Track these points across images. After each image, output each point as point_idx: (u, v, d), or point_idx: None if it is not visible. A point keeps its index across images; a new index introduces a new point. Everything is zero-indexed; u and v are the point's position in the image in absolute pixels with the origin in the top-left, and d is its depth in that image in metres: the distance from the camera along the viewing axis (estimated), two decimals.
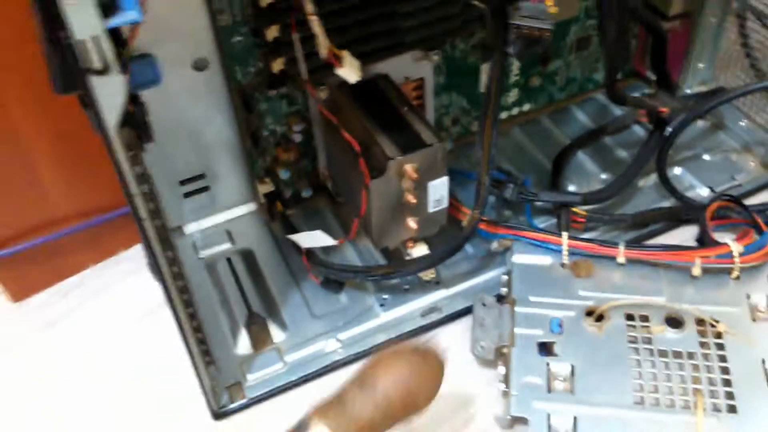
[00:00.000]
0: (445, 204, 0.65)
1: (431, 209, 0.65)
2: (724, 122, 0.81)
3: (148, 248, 0.50)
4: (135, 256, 0.77)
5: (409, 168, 0.60)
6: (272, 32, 0.61)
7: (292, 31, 0.57)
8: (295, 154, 0.73)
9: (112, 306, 0.73)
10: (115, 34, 0.41)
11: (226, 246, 0.74)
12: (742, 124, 0.80)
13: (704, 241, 0.70)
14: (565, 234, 0.67)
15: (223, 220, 0.76)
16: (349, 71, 0.56)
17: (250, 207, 0.76)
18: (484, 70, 0.75)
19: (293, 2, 0.57)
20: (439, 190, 0.63)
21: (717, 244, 0.65)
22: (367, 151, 0.61)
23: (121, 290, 0.75)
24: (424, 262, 0.65)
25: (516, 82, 0.79)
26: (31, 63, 0.51)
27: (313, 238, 0.65)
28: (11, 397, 0.67)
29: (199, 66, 0.64)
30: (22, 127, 0.66)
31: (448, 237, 0.69)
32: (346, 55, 0.56)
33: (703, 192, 0.76)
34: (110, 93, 0.42)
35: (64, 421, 0.64)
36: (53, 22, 0.38)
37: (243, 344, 0.66)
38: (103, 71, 0.40)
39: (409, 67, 0.69)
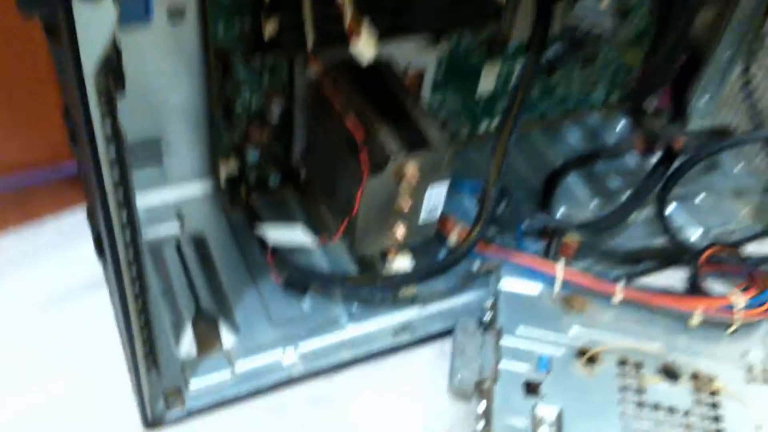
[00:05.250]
0: (437, 214, 0.58)
1: (422, 218, 0.57)
2: (720, 164, 0.77)
3: (105, 223, 0.41)
4: (62, 225, 0.67)
5: (410, 169, 0.53)
6: None
7: None
8: (268, 134, 0.64)
9: (29, 281, 0.62)
10: None
11: (174, 228, 0.65)
12: (738, 167, 0.76)
13: (695, 286, 0.65)
14: (561, 263, 0.61)
15: (173, 197, 0.66)
16: (366, 46, 0.48)
17: (206, 187, 0.67)
18: (487, 72, 0.69)
19: None
20: (435, 198, 0.56)
21: (715, 294, 0.61)
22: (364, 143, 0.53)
23: (42, 263, 0.64)
24: (409, 277, 0.57)
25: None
26: None
27: (287, 234, 0.57)
28: None
29: (174, 15, 0.55)
30: None
31: (429, 250, 0.62)
32: (365, 25, 0.48)
33: (692, 233, 0.71)
34: (97, 24, 0.33)
35: None
36: None
37: (187, 345, 0.57)
38: None
39: (412, 55, 0.62)
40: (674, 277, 0.68)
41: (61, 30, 0.33)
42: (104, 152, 0.38)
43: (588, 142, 0.78)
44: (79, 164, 0.42)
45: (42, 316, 0.60)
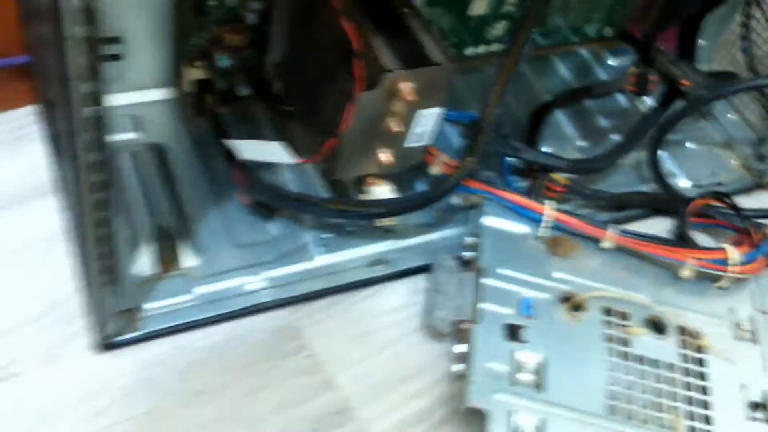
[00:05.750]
0: (426, 141, 0.53)
1: (410, 143, 0.53)
2: (711, 112, 0.74)
3: (67, 118, 0.35)
4: (7, 124, 0.60)
5: (406, 87, 0.48)
6: None
7: None
8: (243, 37, 0.58)
9: None
10: None
11: (131, 135, 0.59)
12: (730, 117, 0.73)
13: (682, 238, 0.63)
14: (550, 203, 0.57)
15: (131, 101, 0.60)
16: None
17: (168, 93, 0.61)
18: None
19: None
20: (428, 121, 0.51)
21: (707, 246, 0.58)
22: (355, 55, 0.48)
23: None
24: (398, 206, 0.53)
25: (508, 12, 0.68)
26: None
27: (264, 151, 0.51)
28: None
29: None
30: None
31: (408, 180, 0.58)
32: None
33: (680, 183, 0.69)
34: None
35: None
36: None
37: (144, 264, 0.52)
38: None
39: None
40: (660, 227, 0.65)
41: None
42: (72, 31, 0.32)
43: (578, 77, 0.74)
44: (32, 54, 0.36)
45: None
